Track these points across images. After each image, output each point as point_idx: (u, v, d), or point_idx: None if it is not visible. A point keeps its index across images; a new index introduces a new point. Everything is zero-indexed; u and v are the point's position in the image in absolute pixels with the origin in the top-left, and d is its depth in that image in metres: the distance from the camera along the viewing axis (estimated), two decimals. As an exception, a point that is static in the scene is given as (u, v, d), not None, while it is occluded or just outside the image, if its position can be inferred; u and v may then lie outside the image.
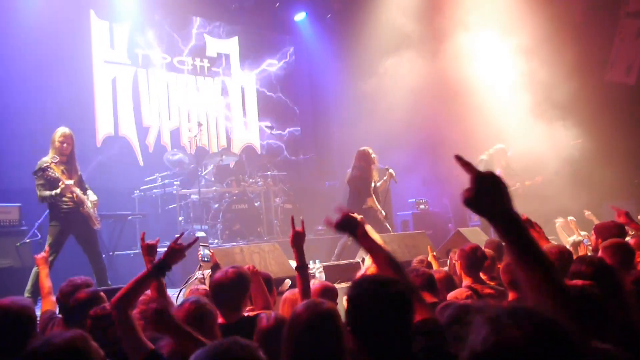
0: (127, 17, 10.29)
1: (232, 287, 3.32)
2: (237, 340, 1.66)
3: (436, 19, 10.33)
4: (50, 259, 5.99)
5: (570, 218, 7.20)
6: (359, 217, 2.63)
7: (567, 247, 5.23)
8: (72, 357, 1.80)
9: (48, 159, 6.51)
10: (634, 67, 9.90)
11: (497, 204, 1.49)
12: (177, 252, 2.89)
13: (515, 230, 1.48)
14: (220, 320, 3.14)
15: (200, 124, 9.94)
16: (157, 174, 9.77)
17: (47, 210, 6.71)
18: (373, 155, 8.06)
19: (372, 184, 8.02)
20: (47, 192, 6.34)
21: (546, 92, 9.31)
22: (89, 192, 6.76)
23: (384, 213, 8.04)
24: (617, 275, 3.04)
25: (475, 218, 9.47)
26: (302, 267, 3.35)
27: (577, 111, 9.31)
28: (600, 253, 3.84)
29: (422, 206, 10.12)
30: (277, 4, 11.86)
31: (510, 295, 3.85)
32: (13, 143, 8.37)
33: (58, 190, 6.34)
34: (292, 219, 3.48)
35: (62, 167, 6.55)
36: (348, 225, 2.50)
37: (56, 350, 1.80)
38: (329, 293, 3.64)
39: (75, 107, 9.15)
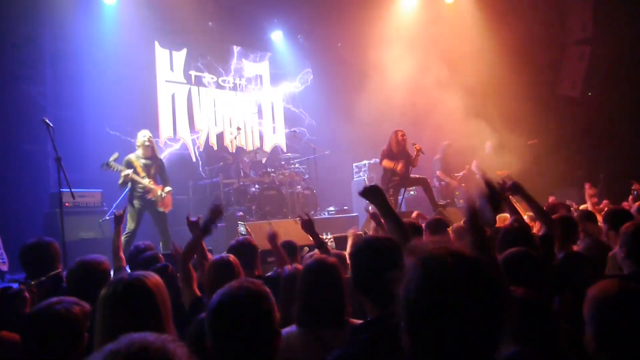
0: (184, 47, 10.48)
1: (244, 248, 3.36)
2: (247, 278, 1.71)
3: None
4: (132, 228, 6.36)
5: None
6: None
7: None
8: (140, 288, 1.86)
9: (132, 155, 6.65)
10: (577, 83, 9.86)
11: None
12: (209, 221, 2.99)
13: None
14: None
15: (239, 129, 10.10)
16: (206, 167, 9.97)
17: (124, 194, 6.90)
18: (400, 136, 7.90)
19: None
20: (120, 180, 6.51)
21: (509, 105, 9.30)
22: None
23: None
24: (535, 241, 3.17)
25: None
26: (321, 246, 3.33)
27: (534, 117, 9.29)
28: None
29: (412, 192, 10.19)
30: (299, 36, 11.99)
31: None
32: (97, 145, 8.55)
33: (120, 181, 6.46)
34: (300, 217, 3.55)
35: (143, 162, 6.63)
36: (372, 193, 2.37)
37: (127, 283, 1.88)
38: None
39: (143, 116, 9.33)
